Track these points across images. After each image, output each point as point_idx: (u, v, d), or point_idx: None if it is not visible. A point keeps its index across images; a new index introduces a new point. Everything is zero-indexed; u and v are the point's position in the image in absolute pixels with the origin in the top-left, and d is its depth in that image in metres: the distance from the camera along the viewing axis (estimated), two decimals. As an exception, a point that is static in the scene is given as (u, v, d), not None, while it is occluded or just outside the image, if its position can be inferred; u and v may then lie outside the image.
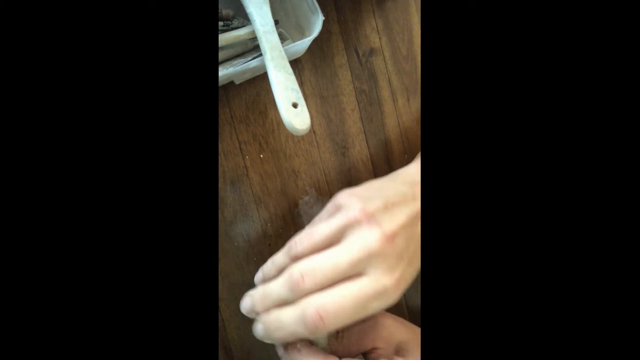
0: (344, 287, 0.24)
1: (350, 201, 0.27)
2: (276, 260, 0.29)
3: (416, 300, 0.41)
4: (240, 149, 0.36)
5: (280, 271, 0.28)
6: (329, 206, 0.29)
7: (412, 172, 0.32)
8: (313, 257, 0.26)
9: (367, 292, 0.24)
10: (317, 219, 0.30)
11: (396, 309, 0.40)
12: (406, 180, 0.30)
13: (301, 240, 0.27)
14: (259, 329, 0.27)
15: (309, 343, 0.29)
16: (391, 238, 0.25)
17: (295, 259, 0.27)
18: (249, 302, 0.28)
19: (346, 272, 0.25)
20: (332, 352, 0.29)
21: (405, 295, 0.41)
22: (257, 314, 0.28)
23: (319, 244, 0.27)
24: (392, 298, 0.25)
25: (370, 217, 0.26)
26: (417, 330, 0.32)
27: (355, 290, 0.24)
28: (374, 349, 0.30)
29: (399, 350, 0.31)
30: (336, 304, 0.24)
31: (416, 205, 0.28)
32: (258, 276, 0.30)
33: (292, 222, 0.38)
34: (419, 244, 0.27)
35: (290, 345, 0.28)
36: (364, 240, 0.25)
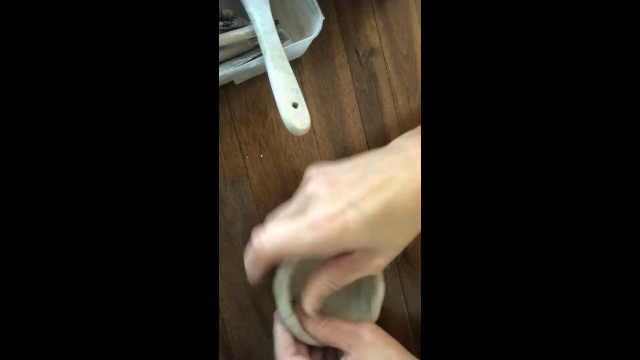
0: (284, 221, 0.29)
1: (311, 173, 0.32)
2: None
3: (416, 299, 0.41)
4: (240, 149, 0.36)
5: None
6: (302, 182, 0.32)
7: (385, 148, 0.33)
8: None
9: (300, 223, 0.28)
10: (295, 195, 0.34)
11: (397, 310, 0.41)
12: (373, 154, 0.32)
13: None
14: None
15: (287, 331, 0.33)
16: (331, 183, 0.29)
17: None
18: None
19: (292, 215, 0.29)
20: (312, 334, 0.33)
21: (407, 298, 0.41)
22: None
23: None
24: (327, 232, 0.27)
25: (320, 173, 0.30)
26: (405, 355, 0.33)
27: (291, 222, 0.28)
28: (348, 352, 0.32)
29: None
30: (273, 232, 0.28)
31: (370, 168, 0.29)
32: None
33: (292, 222, 0.38)
34: (370, 192, 0.28)
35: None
36: (305, 189, 0.29)
